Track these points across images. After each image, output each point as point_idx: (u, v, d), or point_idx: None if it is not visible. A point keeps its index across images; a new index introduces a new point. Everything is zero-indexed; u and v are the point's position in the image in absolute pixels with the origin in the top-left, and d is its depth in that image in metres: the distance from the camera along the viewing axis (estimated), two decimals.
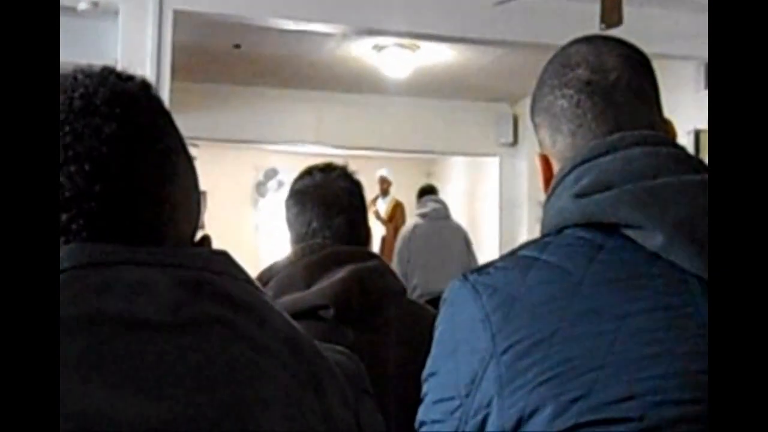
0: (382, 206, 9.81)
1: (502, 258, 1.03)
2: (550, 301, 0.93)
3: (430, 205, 6.54)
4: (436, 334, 1.03)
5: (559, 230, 1.01)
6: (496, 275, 0.99)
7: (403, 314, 1.73)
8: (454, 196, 10.69)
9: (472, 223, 9.79)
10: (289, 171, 9.76)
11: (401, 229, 6.77)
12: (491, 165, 8.70)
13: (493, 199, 8.64)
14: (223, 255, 0.82)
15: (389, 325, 1.69)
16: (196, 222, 0.87)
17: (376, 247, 9.39)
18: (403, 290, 1.82)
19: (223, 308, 0.76)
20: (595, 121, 1.09)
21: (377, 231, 9.56)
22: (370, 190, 7.51)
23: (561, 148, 1.11)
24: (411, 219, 6.80)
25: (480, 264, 1.04)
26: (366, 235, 1.89)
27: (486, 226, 9.08)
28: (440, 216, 6.49)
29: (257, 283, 0.83)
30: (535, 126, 1.16)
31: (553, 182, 1.08)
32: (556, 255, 0.97)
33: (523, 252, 1.01)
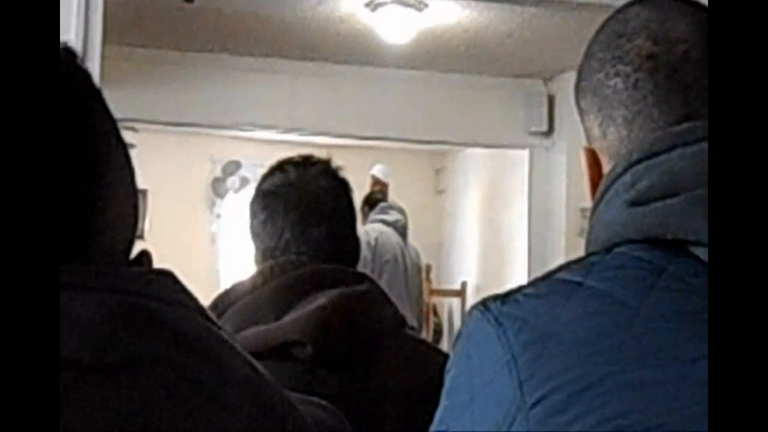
0: None
1: (534, 282, 1.03)
2: (596, 338, 0.93)
3: (393, 215, 6.81)
4: (448, 379, 1.04)
5: (609, 248, 1.02)
6: (527, 304, 0.99)
7: (404, 354, 1.73)
8: (469, 199, 10.71)
9: (492, 235, 9.81)
10: (256, 165, 9.76)
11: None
12: (519, 160, 8.70)
13: (521, 205, 8.63)
14: (168, 276, 0.82)
15: (385, 368, 1.69)
16: (132, 232, 0.87)
17: None
18: (403, 323, 1.82)
19: (167, 346, 0.76)
20: (658, 106, 1.09)
21: None
22: (361, 192, 7.50)
23: (613, 140, 1.12)
24: (371, 224, 7.19)
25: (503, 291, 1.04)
26: (354, 250, 1.89)
27: (511, 241, 9.08)
28: (405, 232, 7.10)
29: (211, 314, 0.82)
30: (581, 112, 1.17)
31: (602, 185, 1.08)
32: (604, 280, 0.98)
33: (562, 275, 1.01)
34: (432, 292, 10.03)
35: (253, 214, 1.86)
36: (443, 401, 1.04)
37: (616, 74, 1.12)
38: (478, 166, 10.62)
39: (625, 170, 1.05)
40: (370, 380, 1.67)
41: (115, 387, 0.73)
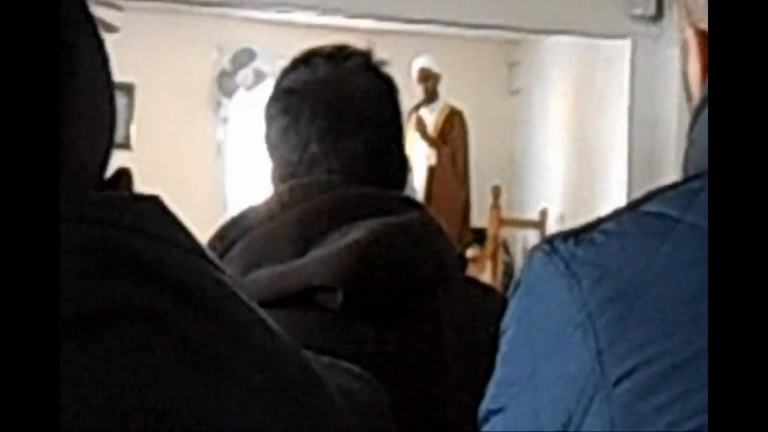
0: (429, 118, 9.81)
1: (617, 215, 1.01)
2: (700, 294, 0.92)
3: None
4: (504, 342, 1.03)
5: None
6: (607, 247, 0.98)
7: (466, 306, 1.74)
8: (551, 103, 10.67)
9: (581, 149, 9.77)
10: (274, 55, 9.75)
11: None
12: (617, 53, 8.64)
13: (619, 110, 8.58)
14: (155, 203, 0.82)
15: (440, 323, 1.69)
16: (108, 143, 0.87)
17: (419, 187, 9.41)
18: (463, 263, 1.82)
19: (152, 294, 0.76)
20: None
21: (419, 159, 9.58)
22: (409, 94, 7.49)
23: None
24: None
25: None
26: (401, 168, 1.89)
27: (606, 156, 9.05)
28: None
29: (211, 255, 0.82)
30: None
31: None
32: None
33: (654, 207, 0.99)
34: (502, 222, 9.98)
35: (270, 120, 1.86)
36: (498, 371, 1.03)
37: None
38: (563, 60, 10.56)
39: None
40: (419, 338, 1.67)
41: (87, 346, 0.73)
